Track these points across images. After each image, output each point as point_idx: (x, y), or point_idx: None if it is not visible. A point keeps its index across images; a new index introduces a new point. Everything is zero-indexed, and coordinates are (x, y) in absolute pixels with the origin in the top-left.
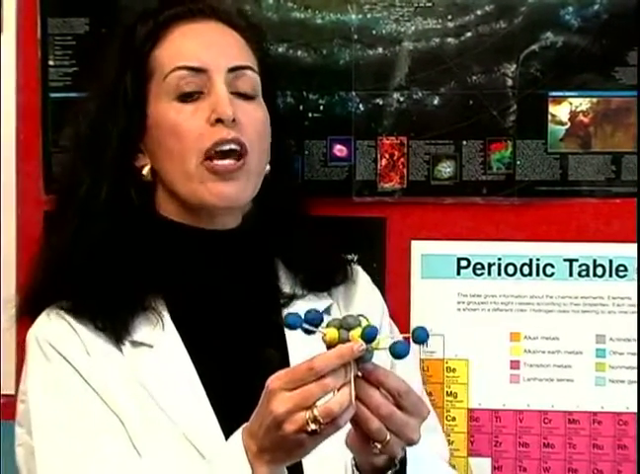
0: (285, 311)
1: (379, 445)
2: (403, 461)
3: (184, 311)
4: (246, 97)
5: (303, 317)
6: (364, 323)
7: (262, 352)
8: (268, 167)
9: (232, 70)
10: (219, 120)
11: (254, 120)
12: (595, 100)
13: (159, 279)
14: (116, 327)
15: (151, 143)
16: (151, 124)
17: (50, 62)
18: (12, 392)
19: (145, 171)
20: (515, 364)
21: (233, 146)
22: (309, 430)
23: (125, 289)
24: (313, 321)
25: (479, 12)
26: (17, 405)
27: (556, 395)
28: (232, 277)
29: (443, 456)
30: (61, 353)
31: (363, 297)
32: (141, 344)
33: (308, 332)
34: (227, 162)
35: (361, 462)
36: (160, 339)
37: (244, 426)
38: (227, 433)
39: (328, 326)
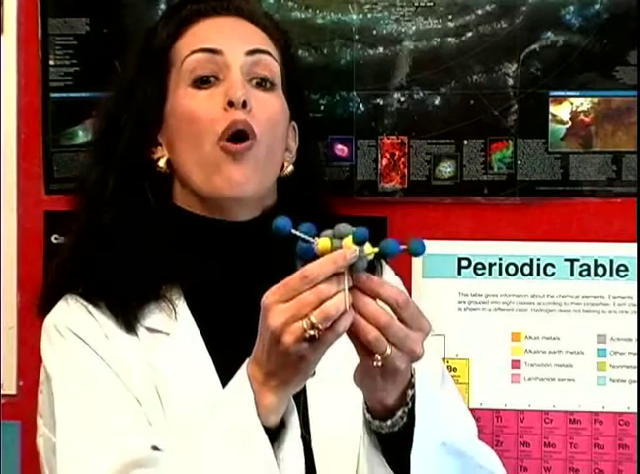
0: None
1: (380, 357)
2: (414, 399)
3: (200, 301)
4: (264, 85)
5: (301, 229)
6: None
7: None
8: (291, 167)
9: (250, 53)
10: (231, 103)
11: (267, 109)
12: (595, 99)
13: (175, 269)
14: (126, 313)
15: (168, 133)
16: (168, 113)
17: (51, 62)
18: (12, 392)
19: (162, 162)
20: (516, 364)
21: (241, 127)
22: (308, 336)
23: (139, 278)
24: (308, 233)
25: (480, 11)
26: (38, 396)
27: (557, 395)
28: (248, 269)
29: (470, 433)
30: (80, 335)
31: None
32: (158, 331)
33: (304, 241)
34: (240, 130)
35: (372, 401)
36: (176, 327)
37: (249, 358)
38: None
39: (321, 236)
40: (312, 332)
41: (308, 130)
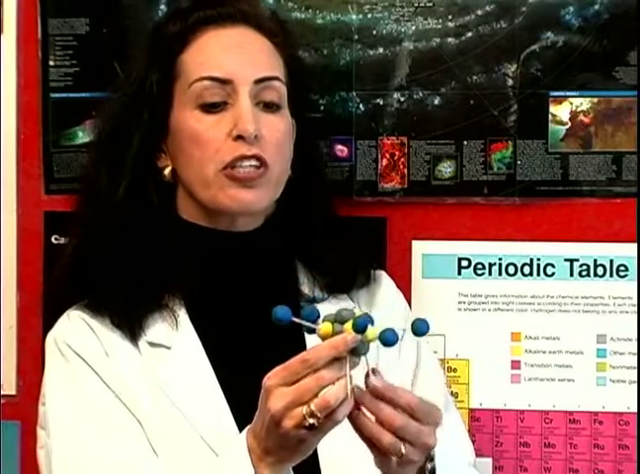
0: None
1: (395, 459)
2: (434, 471)
3: (202, 312)
4: (271, 108)
5: (303, 314)
6: (358, 314)
7: None
8: (289, 171)
9: (259, 81)
10: (240, 137)
11: (276, 133)
12: (595, 100)
13: (178, 280)
14: (130, 324)
15: (172, 146)
16: (173, 128)
17: (51, 62)
18: (12, 392)
19: (167, 172)
20: (515, 364)
21: (253, 162)
22: (307, 424)
23: (142, 287)
24: (310, 317)
25: (480, 12)
26: (38, 407)
27: (557, 395)
28: (251, 279)
29: (469, 460)
30: (79, 354)
31: (386, 302)
32: (159, 345)
33: (310, 330)
34: (247, 169)
35: None
36: (178, 340)
37: (248, 427)
38: None
39: (323, 321)
40: (312, 420)
41: (307, 127)
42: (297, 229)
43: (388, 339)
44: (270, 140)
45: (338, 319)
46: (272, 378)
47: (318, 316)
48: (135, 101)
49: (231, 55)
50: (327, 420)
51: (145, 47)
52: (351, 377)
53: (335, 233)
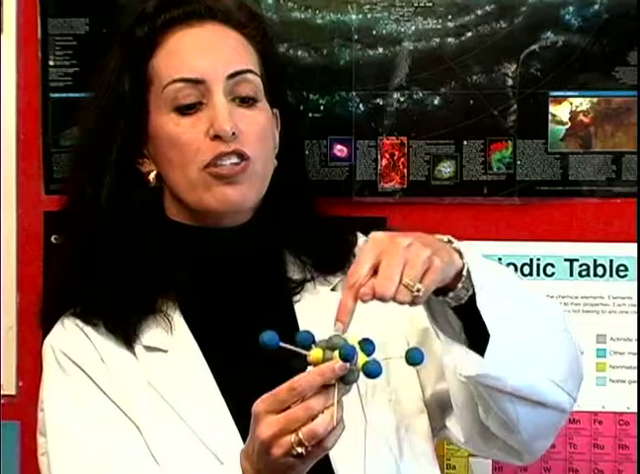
0: (296, 297)
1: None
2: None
3: (196, 313)
4: (247, 102)
5: (298, 338)
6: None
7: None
8: (275, 161)
9: (231, 76)
10: (218, 136)
11: (255, 127)
12: (595, 100)
13: (170, 281)
14: (125, 330)
15: (154, 151)
16: (152, 133)
17: (51, 62)
18: (12, 392)
19: (151, 177)
20: None
21: (234, 160)
22: (295, 453)
23: (134, 292)
24: (305, 342)
25: (479, 12)
26: (37, 414)
27: None
28: (243, 275)
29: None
30: (76, 362)
31: None
32: (155, 349)
33: (297, 354)
34: (229, 166)
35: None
36: (174, 343)
37: (242, 447)
38: (245, 437)
39: (316, 346)
40: (300, 449)
41: (288, 123)
42: (284, 219)
43: (371, 371)
44: (249, 136)
45: (329, 345)
46: (260, 404)
47: (313, 341)
48: (111, 109)
49: (201, 54)
50: (316, 448)
51: (115, 54)
52: (340, 404)
53: (319, 218)
